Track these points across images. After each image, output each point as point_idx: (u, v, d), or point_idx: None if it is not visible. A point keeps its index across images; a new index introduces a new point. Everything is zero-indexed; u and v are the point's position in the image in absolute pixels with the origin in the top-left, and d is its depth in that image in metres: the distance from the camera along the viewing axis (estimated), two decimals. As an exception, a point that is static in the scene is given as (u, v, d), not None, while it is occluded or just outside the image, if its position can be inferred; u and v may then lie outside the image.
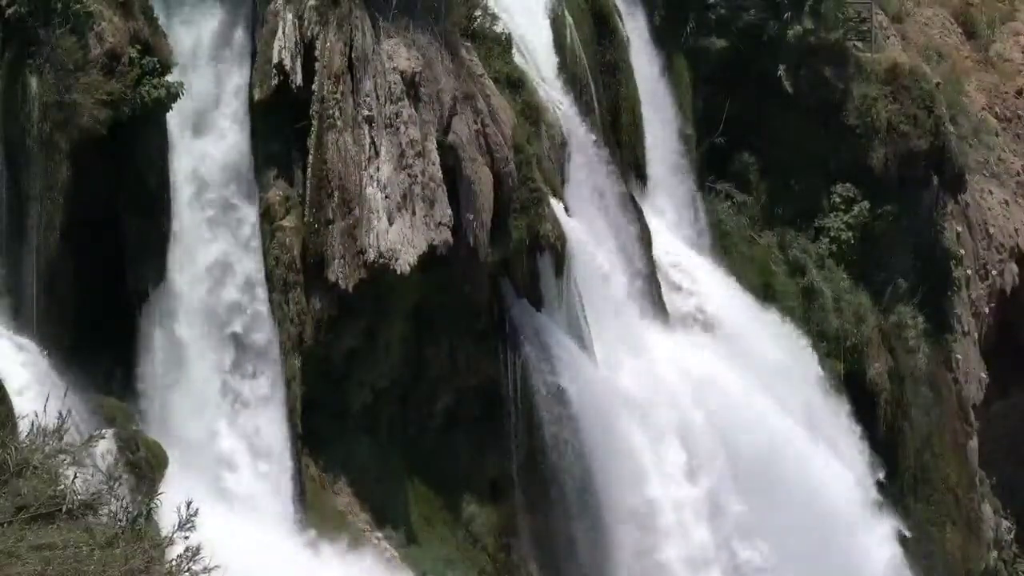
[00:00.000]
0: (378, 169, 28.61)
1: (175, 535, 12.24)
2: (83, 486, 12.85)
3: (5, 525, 12.20)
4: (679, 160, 39.66)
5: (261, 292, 28.22)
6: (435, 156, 29.31)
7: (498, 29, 32.97)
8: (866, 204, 41.88)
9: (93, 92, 25.16)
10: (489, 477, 31.51)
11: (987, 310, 46.76)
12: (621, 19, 37.69)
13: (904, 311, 42.66)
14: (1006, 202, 48.19)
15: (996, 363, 46.49)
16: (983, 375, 45.98)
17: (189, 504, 12.32)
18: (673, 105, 39.64)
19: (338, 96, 28.36)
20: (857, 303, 41.46)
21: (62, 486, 12.71)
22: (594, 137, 35.43)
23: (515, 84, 32.91)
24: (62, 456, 12.65)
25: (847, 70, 42.19)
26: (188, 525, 12.18)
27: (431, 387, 30.88)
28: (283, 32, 28.10)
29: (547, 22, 35.21)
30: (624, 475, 32.31)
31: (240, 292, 28.08)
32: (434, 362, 30.88)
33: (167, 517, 13.16)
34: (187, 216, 27.48)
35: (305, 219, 28.24)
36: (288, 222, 28.33)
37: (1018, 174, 49.57)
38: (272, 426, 27.98)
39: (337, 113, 28.32)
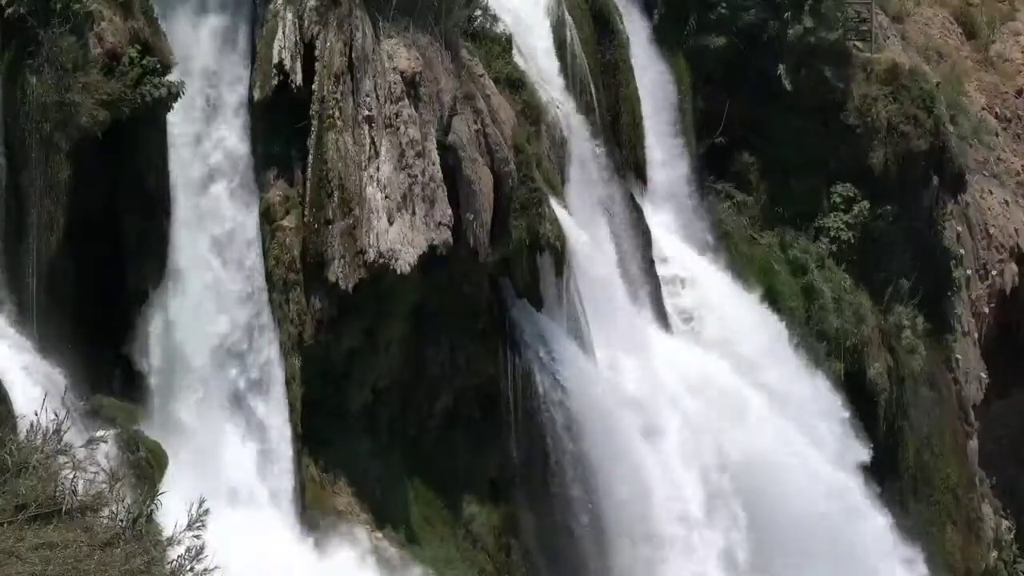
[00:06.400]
0: (378, 169, 28.61)
1: (182, 534, 12.21)
2: (84, 486, 12.84)
3: (5, 525, 12.18)
4: (679, 160, 39.64)
5: (261, 292, 28.21)
6: (435, 156, 29.31)
7: (498, 29, 32.97)
8: (866, 204, 41.86)
9: (93, 92, 25.15)
10: (489, 477, 31.51)
11: (987, 310, 46.75)
12: (621, 19, 37.68)
13: (904, 311, 42.64)
14: (1006, 202, 48.19)
15: (996, 363, 46.48)
16: (983, 375, 45.97)
17: (201, 503, 12.27)
18: (673, 105, 39.62)
19: (338, 96, 28.35)
20: (857, 303, 41.44)
21: (62, 486, 12.69)
22: (594, 137, 35.43)
23: (515, 84, 32.91)
24: (62, 457, 12.64)
25: (847, 70, 42.14)
26: (198, 524, 12.14)
27: (431, 387, 30.88)
28: (283, 32, 28.09)
29: (547, 22, 35.20)
30: (624, 475, 32.29)
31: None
32: (434, 362, 30.87)
33: (167, 517, 13.14)
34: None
35: (305, 219, 28.24)
36: (288, 222, 28.32)
37: (1018, 174, 49.57)
38: (272, 426, 27.97)
39: (337, 113, 28.31)
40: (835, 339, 40.59)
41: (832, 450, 37.56)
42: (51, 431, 12.63)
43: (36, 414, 13.20)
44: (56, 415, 13.00)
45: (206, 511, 12.03)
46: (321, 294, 28.31)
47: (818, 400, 38.40)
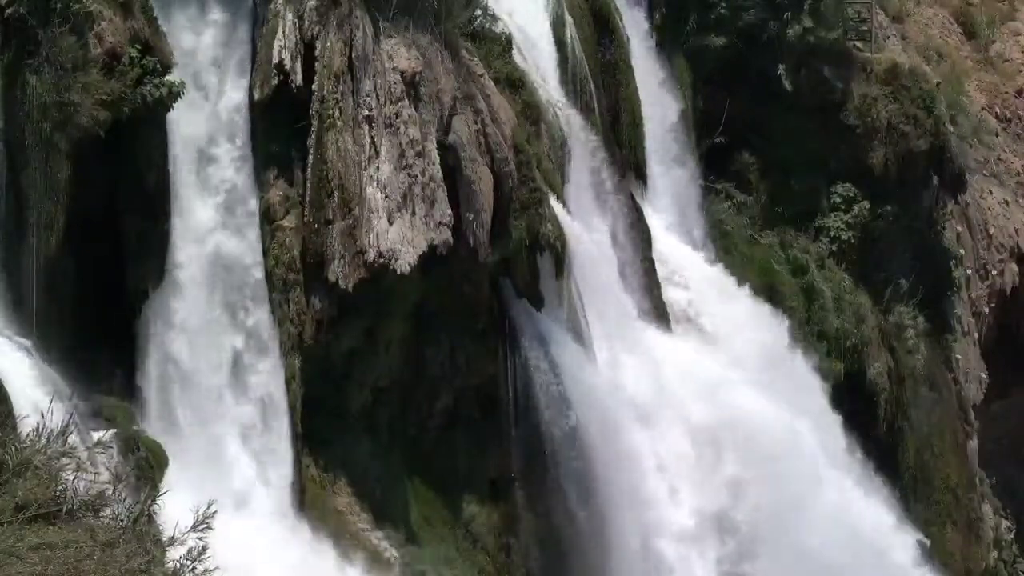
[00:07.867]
0: (378, 169, 28.61)
1: (185, 535, 12.20)
2: (85, 487, 12.83)
3: (5, 525, 12.18)
4: (679, 160, 39.65)
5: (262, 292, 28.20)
6: (435, 156, 29.31)
7: (498, 29, 32.98)
8: (866, 204, 41.88)
9: (93, 92, 25.13)
10: (489, 477, 31.51)
11: (987, 310, 46.75)
12: (621, 19, 37.69)
13: (904, 311, 42.65)
14: (1006, 202, 48.19)
15: (996, 363, 46.49)
16: (983, 375, 45.97)
17: (209, 505, 12.26)
18: (673, 105, 39.63)
19: (338, 96, 28.35)
20: (857, 303, 41.45)
21: (63, 486, 12.68)
22: (594, 137, 35.42)
23: (515, 84, 32.92)
24: (65, 459, 12.62)
25: (847, 70, 42.16)
26: (203, 525, 12.13)
27: (431, 387, 30.88)
28: (283, 32, 28.08)
29: (547, 22, 35.21)
30: (624, 475, 32.29)
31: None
32: (434, 362, 30.87)
33: (168, 517, 13.14)
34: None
35: (305, 219, 28.23)
36: (288, 222, 28.32)
37: (1018, 174, 49.57)
38: (272, 426, 27.97)
39: (337, 113, 28.31)
40: (835, 339, 40.59)
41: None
42: (55, 433, 12.61)
43: (43, 415, 13.19)
44: (63, 418, 12.99)
45: (214, 512, 12.02)
46: (321, 294, 28.30)
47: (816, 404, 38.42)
